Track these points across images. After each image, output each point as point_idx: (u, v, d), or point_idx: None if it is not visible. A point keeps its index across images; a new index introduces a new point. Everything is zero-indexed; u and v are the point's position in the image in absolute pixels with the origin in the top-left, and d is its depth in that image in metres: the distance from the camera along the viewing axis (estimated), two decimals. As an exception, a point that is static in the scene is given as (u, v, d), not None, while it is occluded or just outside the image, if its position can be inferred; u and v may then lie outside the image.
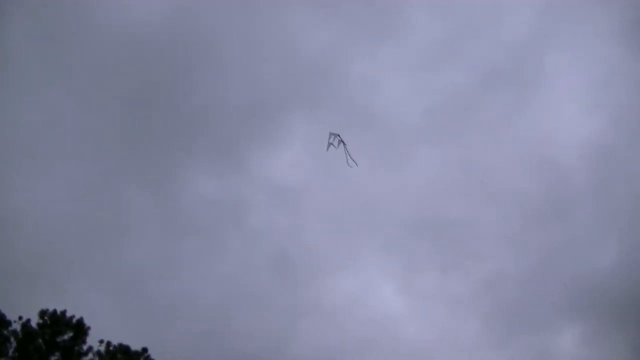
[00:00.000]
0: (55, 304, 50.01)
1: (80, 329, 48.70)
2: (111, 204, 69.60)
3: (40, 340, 47.94)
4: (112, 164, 70.38)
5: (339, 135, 54.12)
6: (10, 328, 47.45)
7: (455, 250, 72.39)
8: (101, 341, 48.72)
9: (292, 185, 73.62)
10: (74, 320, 49.00)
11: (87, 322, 49.05)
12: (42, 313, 48.87)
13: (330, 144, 53.80)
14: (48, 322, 48.69)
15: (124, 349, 49.12)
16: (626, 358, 62.53)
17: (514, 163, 74.40)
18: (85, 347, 48.58)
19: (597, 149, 73.47)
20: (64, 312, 49.38)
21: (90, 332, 48.95)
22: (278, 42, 75.64)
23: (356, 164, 55.11)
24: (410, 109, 76.12)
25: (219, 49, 74.45)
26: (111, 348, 48.91)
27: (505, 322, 68.62)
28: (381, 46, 76.85)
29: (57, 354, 48.01)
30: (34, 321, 48.25)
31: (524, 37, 78.24)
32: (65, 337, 48.57)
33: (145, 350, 49.37)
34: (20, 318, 47.87)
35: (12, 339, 47.41)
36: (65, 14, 72.19)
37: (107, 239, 67.06)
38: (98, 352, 48.63)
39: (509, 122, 76.14)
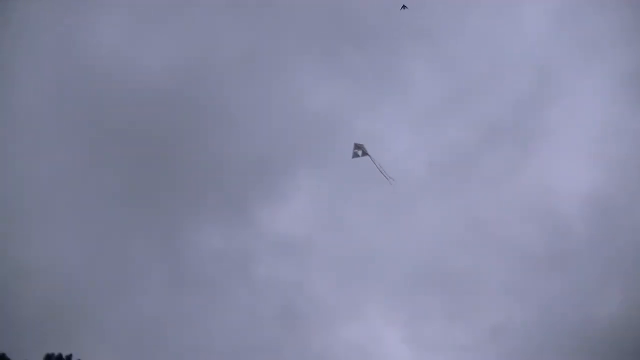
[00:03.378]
0: (63, 352, 51.25)
1: (85, 373, 49.81)
2: (120, 257, 71.34)
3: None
4: (121, 218, 72.49)
5: (363, 146, 55.75)
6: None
7: (460, 300, 73.22)
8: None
9: (298, 238, 75.33)
10: (80, 365, 50.27)
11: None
12: (48, 357, 50.07)
13: (355, 153, 55.48)
14: (54, 366, 49.87)
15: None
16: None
17: (517, 215, 75.73)
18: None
19: (598, 201, 75.10)
20: (69, 357, 50.52)
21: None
22: (284, 99, 78.02)
23: (391, 179, 56.72)
24: (414, 164, 78.04)
25: (226, 106, 76.87)
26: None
27: (510, 370, 69.25)
28: (385, 102, 78.87)
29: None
30: (41, 365, 49.60)
31: (525, 93, 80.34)
32: (71, 379, 49.60)
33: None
34: (26, 362, 49.25)
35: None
36: (76, 72, 75.06)
37: (115, 292, 68.67)
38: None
39: (511, 175, 77.61)
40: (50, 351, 50.44)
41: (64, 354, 50.53)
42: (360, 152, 55.44)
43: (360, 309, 73.34)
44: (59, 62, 76.43)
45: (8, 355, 49.35)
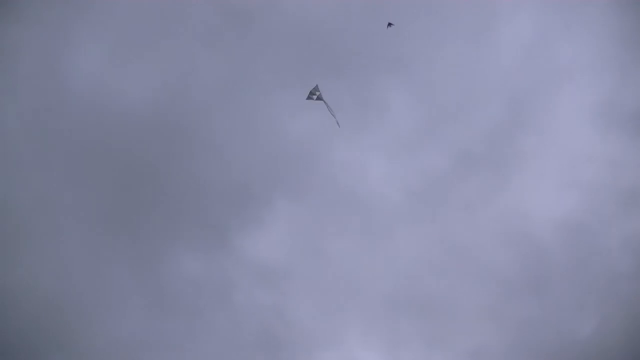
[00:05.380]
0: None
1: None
2: (98, 281, 71.58)
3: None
4: (100, 242, 72.83)
5: (318, 91, 55.96)
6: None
7: (437, 325, 74.14)
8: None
9: (277, 264, 76.17)
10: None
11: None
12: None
13: (310, 96, 55.67)
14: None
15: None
16: None
17: (492, 240, 76.83)
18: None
19: (573, 226, 76.42)
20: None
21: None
22: (263, 127, 78.88)
23: (338, 123, 57.12)
24: (391, 191, 79.20)
25: (207, 133, 77.70)
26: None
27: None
28: (361, 131, 79.93)
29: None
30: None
31: (499, 121, 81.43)
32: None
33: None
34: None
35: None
36: (56, 96, 75.72)
37: (92, 316, 68.98)
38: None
39: (487, 201, 78.75)
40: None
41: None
42: (315, 96, 55.79)
43: (339, 335, 74.21)
44: (38, 86, 77.08)
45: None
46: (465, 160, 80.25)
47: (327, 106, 55.96)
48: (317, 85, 55.68)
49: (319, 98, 55.88)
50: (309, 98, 56.12)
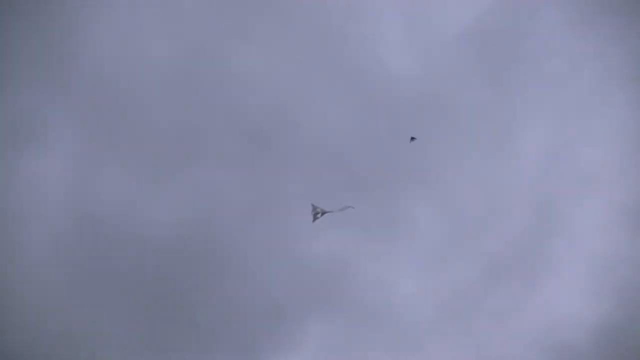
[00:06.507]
0: None
1: None
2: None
3: None
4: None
5: (317, 210, 56.33)
6: None
7: None
8: None
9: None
10: None
11: None
12: None
13: (315, 217, 56.16)
14: None
15: None
16: None
17: (526, 350, 76.16)
18: None
19: (607, 328, 75.67)
20: None
21: None
22: (290, 246, 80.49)
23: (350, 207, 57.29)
24: (421, 305, 79.70)
25: (234, 253, 79.47)
26: None
27: None
28: (389, 247, 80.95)
29: None
30: None
31: (526, 227, 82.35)
32: None
33: None
34: None
35: None
36: (83, 226, 78.45)
37: None
38: None
39: (518, 310, 78.80)
40: None
41: None
42: (319, 215, 56.46)
43: None
44: (66, 214, 79.96)
45: None
46: (494, 269, 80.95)
47: (335, 211, 57.21)
48: (312, 205, 57.18)
49: (322, 213, 57.22)
50: (315, 220, 57.46)
